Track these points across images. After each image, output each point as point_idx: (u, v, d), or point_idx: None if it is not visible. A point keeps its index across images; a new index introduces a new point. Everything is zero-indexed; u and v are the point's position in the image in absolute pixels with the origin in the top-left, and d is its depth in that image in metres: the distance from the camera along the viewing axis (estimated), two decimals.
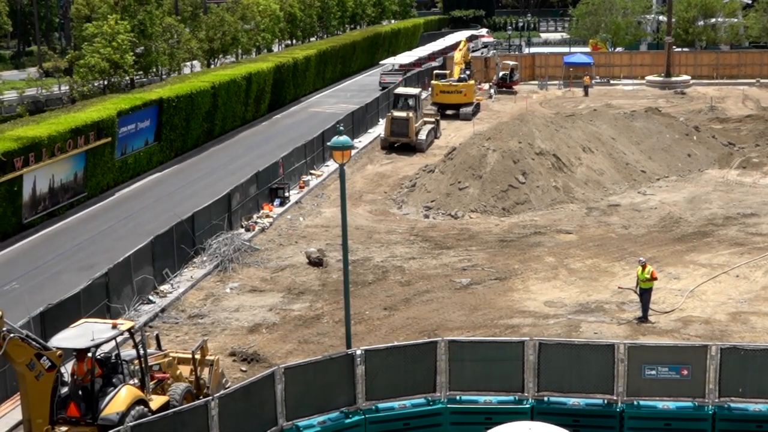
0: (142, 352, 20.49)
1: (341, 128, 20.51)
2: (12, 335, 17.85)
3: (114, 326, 20.19)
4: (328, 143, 20.83)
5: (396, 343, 22.73)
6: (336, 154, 19.85)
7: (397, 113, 52.86)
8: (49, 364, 18.51)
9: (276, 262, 33.69)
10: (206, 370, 22.84)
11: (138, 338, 20.54)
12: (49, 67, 72.49)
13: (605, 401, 20.59)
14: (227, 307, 29.41)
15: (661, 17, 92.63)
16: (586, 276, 31.91)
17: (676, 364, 20.23)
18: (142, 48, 53.78)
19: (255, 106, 62.23)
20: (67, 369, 20.50)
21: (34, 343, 18.43)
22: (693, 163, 47.91)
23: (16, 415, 22.08)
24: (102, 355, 20.36)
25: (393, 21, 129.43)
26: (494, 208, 39.41)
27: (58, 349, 19.64)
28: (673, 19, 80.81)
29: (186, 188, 44.28)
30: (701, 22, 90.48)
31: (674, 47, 79.32)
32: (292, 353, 25.94)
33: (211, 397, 18.33)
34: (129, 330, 20.54)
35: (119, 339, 21.04)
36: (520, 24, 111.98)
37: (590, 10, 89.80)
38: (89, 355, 19.59)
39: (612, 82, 79.53)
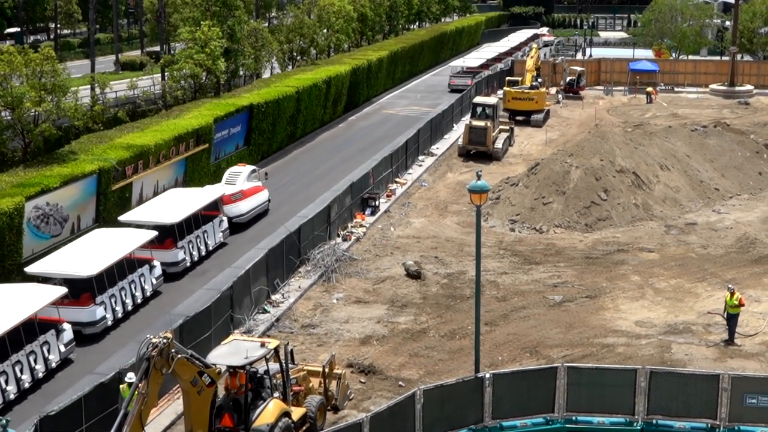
0: (285, 367, 22.71)
1: (479, 172, 22.43)
2: (180, 355, 19.41)
3: (263, 344, 22.39)
4: (467, 186, 22.78)
5: (521, 368, 24.76)
6: (474, 197, 21.88)
7: (475, 122, 54.56)
8: (210, 380, 20.16)
9: (375, 273, 35.74)
10: (334, 382, 25.11)
11: (282, 355, 22.72)
12: (144, 60, 74.45)
13: (709, 425, 22.59)
14: (337, 318, 31.51)
15: (727, 23, 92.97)
16: (672, 296, 33.57)
17: None
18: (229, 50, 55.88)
19: (332, 108, 64.38)
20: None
21: (197, 362, 20.12)
22: (764, 181, 49.10)
23: (168, 417, 24.55)
24: (251, 370, 22.52)
25: (455, 17, 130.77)
26: (577, 223, 41.13)
27: (215, 365, 21.90)
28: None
29: (278, 193, 46.41)
30: (763, 30, 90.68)
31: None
32: (404, 366, 28.01)
33: (365, 415, 20.42)
34: (275, 348, 22.71)
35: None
36: (584, 26, 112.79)
37: (656, 17, 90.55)
38: (242, 371, 21.78)
39: (676, 89, 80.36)
